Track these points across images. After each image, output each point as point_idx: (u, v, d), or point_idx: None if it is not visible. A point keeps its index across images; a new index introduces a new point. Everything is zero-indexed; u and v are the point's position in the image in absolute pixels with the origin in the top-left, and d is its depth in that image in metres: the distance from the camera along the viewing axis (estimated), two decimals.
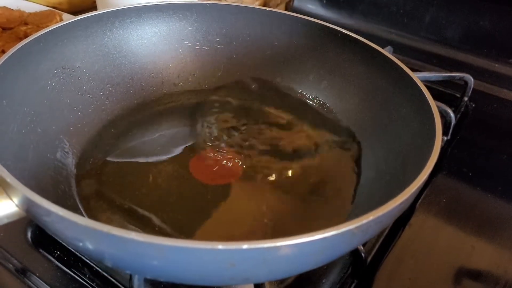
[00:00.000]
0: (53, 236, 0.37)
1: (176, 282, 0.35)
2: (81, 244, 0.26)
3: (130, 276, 0.33)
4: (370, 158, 0.44)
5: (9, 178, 0.26)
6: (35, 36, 0.41)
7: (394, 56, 0.45)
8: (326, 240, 0.25)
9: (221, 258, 0.24)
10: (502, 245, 0.42)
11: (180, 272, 0.26)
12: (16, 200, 0.28)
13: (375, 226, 0.27)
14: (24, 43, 0.39)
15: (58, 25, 0.43)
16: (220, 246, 0.24)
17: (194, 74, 0.54)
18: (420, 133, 0.38)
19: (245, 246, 0.24)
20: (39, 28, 0.66)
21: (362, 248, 0.38)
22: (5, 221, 0.28)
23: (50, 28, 0.42)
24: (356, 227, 0.26)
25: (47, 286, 0.36)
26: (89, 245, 0.26)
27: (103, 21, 0.47)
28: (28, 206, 0.27)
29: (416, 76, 0.40)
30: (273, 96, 0.54)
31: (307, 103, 0.53)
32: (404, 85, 0.42)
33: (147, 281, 0.36)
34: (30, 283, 0.36)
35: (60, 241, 0.38)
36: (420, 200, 0.46)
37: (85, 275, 0.37)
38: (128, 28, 0.50)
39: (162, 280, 0.33)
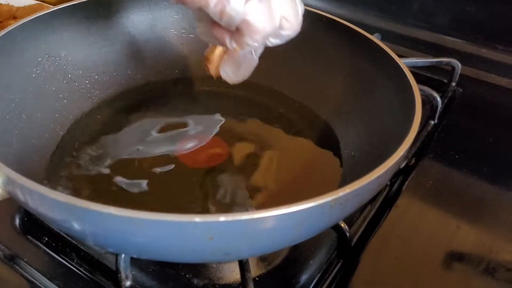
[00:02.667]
0: (36, 216, 0.37)
1: (158, 260, 0.35)
2: (63, 222, 0.27)
3: (116, 257, 0.34)
4: (355, 140, 0.44)
5: None
6: (19, 24, 0.41)
7: (383, 43, 0.45)
8: (304, 212, 0.25)
9: (199, 231, 0.25)
10: (487, 225, 0.43)
11: (159, 248, 0.27)
12: None
13: (353, 200, 0.28)
14: (8, 30, 0.40)
15: (42, 13, 0.43)
16: (197, 218, 0.24)
17: (180, 62, 0.54)
18: (402, 113, 0.38)
19: (222, 218, 0.24)
20: None
21: (347, 227, 0.38)
22: None
23: (34, 16, 0.42)
24: (334, 199, 0.26)
25: (35, 271, 0.36)
26: (69, 223, 0.26)
27: (88, 9, 0.48)
28: (8, 185, 0.27)
29: (397, 57, 0.41)
30: (259, 84, 0.54)
31: (292, 88, 0.53)
32: (387, 67, 0.42)
33: (134, 264, 0.37)
34: (18, 268, 0.36)
35: (43, 221, 0.38)
36: (406, 183, 0.46)
37: (73, 260, 0.37)
38: (113, 16, 0.50)
39: (144, 257, 0.33)
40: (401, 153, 0.30)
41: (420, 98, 0.36)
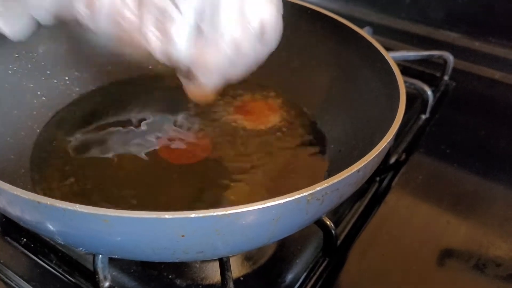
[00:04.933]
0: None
1: (132, 259, 0.34)
2: (30, 221, 0.26)
3: (93, 258, 0.33)
4: (341, 135, 0.43)
5: None
6: None
7: (375, 37, 0.44)
8: (279, 207, 0.24)
9: (170, 229, 0.24)
10: (477, 220, 0.42)
11: (130, 246, 0.26)
12: None
13: (332, 195, 0.27)
14: None
15: None
16: (167, 215, 0.23)
17: None
18: (388, 106, 0.37)
19: (193, 214, 0.23)
20: None
21: (332, 225, 0.37)
22: None
23: None
24: (310, 194, 0.25)
25: (11, 272, 0.36)
26: (35, 221, 0.25)
27: None
28: None
29: (383, 49, 0.40)
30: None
31: (277, 82, 0.52)
32: (373, 59, 0.41)
33: (115, 265, 0.36)
34: None
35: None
36: (396, 178, 0.46)
37: (51, 261, 0.37)
38: None
39: (117, 256, 0.32)
40: (383, 146, 0.29)
41: (405, 91, 0.35)
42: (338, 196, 0.28)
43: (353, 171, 0.27)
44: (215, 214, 0.23)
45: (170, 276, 0.36)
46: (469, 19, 0.67)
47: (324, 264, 0.38)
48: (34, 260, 0.37)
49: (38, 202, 0.23)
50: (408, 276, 0.37)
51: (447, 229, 0.41)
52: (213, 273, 0.37)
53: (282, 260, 0.38)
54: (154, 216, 0.23)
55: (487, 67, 0.64)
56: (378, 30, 0.67)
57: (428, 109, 0.54)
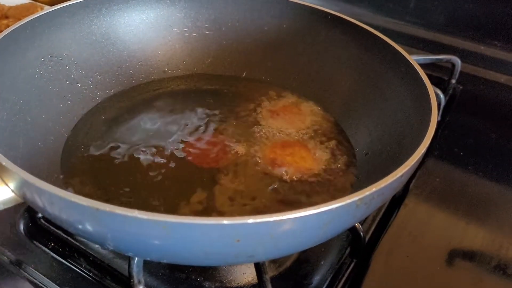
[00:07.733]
0: (51, 220, 0.36)
1: (180, 264, 0.35)
2: (80, 226, 0.26)
3: (129, 262, 0.33)
4: (366, 138, 0.44)
5: (5, 161, 0.26)
6: (22, 23, 0.40)
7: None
8: (331, 212, 0.25)
9: (226, 234, 0.24)
10: (495, 220, 0.43)
11: (184, 251, 0.26)
12: (12, 185, 0.27)
13: (377, 198, 0.27)
14: (11, 29, 0.39)
15: (44, 12, 0.42)
16: (225, 221, 0.23)
17: (184, 61, 0.53)
18: (415, 109, 0.38)
19: (250, 220, 0.24)
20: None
21: (361, 227, 0.38)
22: (1, 207, 0.28)
23: (37, 15, 0.41)
24: (360, 199, 0.26)
25: (43, 277, 0.36)
26: (90, 227, 0.25)
27: (89, 8, 0.47)
28: (25, 190, 0.26)
29: (408, 54, 0.40)
30: (264, 82, 0.54)
31: (299, 87, 0.52)
32: (396, 64, 0.42)
33: (144, 268, 0.36)
34: (26, 274, 0.36)
35: (60, 225, 0.37)
36: (413, 181, 0.46)
37: (81, 265, 0.37)
38: (115, 15, 0.49)
39: (165, 261, 0.32)
40: (423, 150, 0.30)
41: (434, 94, 0.36)
42: (382, 200, 0.28)
43: (397, 176, 0.27)
44: (271, 219, 0.24)
45: (198, 279, 0.37)
46: (474, 23, 0.68)
47: (352, 266, 0.38)
48: (64, 264, 0.37)
49: (97, 209, 0.23)
50: (433, 277, 0.37)
51: (466, 230, 0.42)
52: (241, 276, 0.37)
53: (306, 262, 0.38)
54: (213, 222, 0.23)
55: (492, 71, 0.66)
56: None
57: (440, 112, 0.55)
